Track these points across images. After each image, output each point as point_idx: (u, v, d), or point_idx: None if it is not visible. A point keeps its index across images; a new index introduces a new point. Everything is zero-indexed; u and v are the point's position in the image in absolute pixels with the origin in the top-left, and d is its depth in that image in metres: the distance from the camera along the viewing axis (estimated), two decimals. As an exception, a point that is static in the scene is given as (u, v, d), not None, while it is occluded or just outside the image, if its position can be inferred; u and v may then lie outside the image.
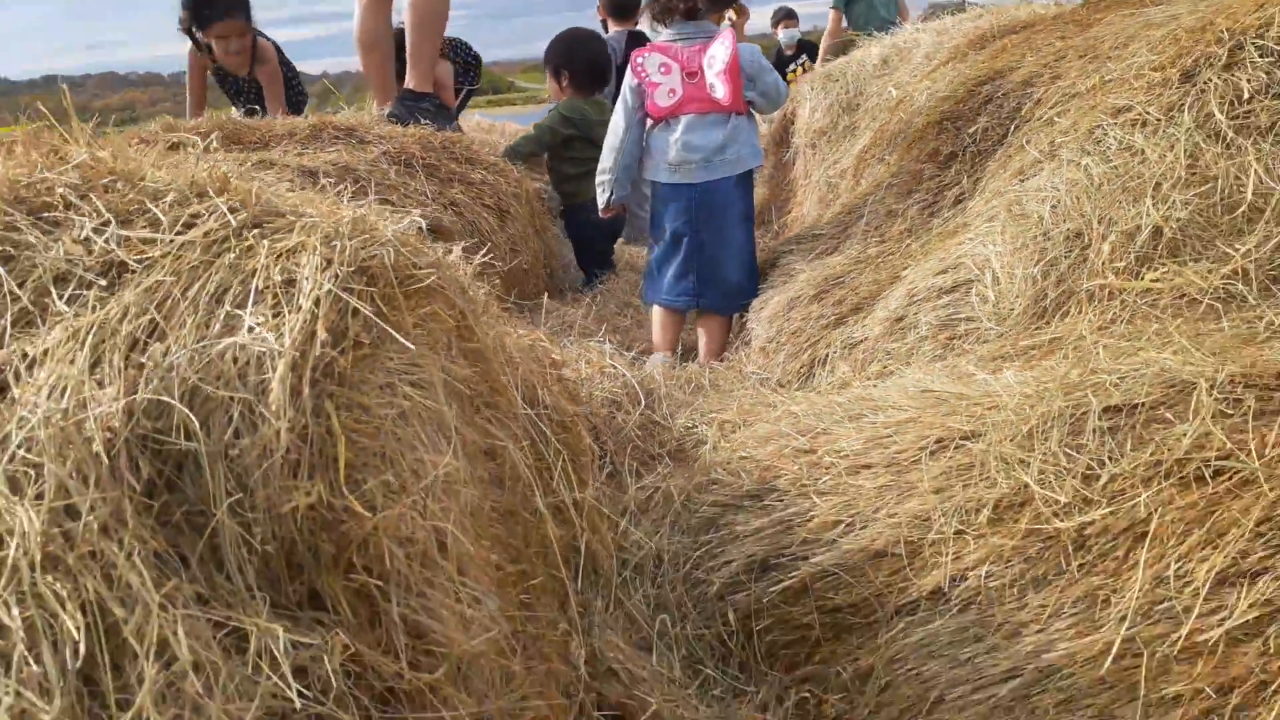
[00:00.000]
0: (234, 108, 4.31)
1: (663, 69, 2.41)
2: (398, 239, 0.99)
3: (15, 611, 0.60)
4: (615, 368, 2.04)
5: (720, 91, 2.37)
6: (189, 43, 4.12)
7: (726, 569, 1.46)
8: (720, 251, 2.49)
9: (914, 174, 2.19)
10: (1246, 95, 1.51)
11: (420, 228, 1.10)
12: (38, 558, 0.63)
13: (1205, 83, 1.56)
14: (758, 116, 2.67)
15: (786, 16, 7.74)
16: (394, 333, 0.81)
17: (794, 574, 1.37)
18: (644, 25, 4.32)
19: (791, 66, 6.77)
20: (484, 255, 1.30)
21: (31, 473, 0.68)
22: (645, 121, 2.52)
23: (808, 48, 7.06)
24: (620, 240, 3.82)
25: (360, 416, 0.79)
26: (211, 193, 0.98)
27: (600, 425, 1.88)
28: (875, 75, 3.54)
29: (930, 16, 3.96)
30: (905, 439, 1.41)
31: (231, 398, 0.74)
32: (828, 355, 2.03)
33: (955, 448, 1.34)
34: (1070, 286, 1.56)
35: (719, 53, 2.37)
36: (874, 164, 2.92)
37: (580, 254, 3.71)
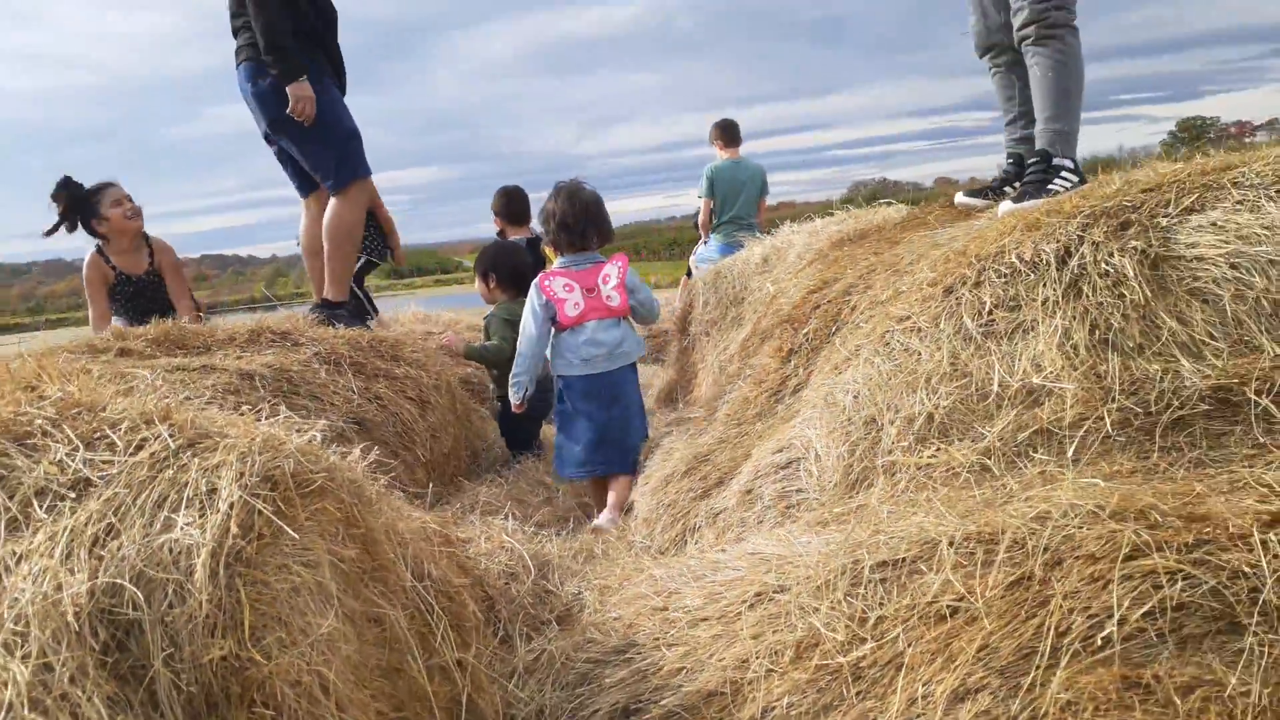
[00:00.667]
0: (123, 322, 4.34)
1: (566, 288, 3.05)
2: (299, 450, 1.30)
3: (9, 736, 0.87)
4: (511, 543, 2.32)
5: (616, 300, 3.07)
6: (86, 258, 4.28)
7: (594, 717, 1.71)
8: (626, 426, 3.09)
9: (764, 367, 2.58)
10: (989, 308, 1.92)
11: (317, 437, 1.41)
12: (25, 700, 0.90)
13: (960, 297, 1.98)
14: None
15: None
16: (287, 528, 1.11)
17: (648, 717, 1.63)
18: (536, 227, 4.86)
19: None
20: (369, 456, 1.60)
21: (19, 639, 0.96)
22: (551, 331, 3.09)
23: None
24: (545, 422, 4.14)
25: (262, 590, 1.08)
26: (157, 420, 1.30)
27: (496, 595, 2.14)
28: (757, 272, 4.02)
29: (842, 202, 4.50)
30: (733, 594, 1.71)
31: (167, 578, 1.02)
32: (697, 524, 2.34)
33: (769, 600, 1.65)
34: (869, 463, 1.91)
35: (613, 272, 3.09)
36: (753, 351, 3.34)
37: (509, 438, 4.03)
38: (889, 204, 4.03)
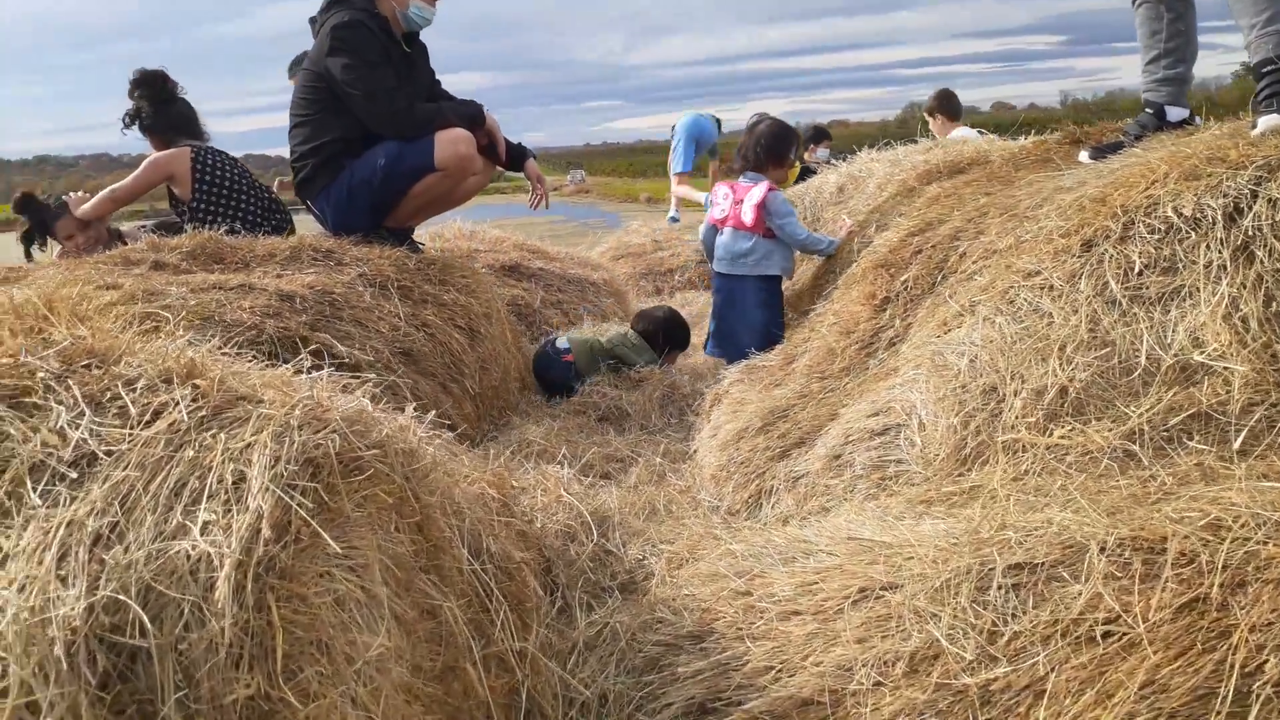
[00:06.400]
0: None
1: (725, 195, 3.52)
2: (346, 420, 1.09)
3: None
4: (570, 499, 2.13)
5: (749, 217, 3.39)
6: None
7: (667, 711, 1.52)
8: (737, 324, 3.47)
9: (853, 315, 2.33)
10: (1138, 269, 1.65)
11: (366, 404, 1.20)
12: (-2, 756, 0.70)
13: (1103, 254, 1.70)
14: None
15: (824, 137, 7.99)
16: (325, 536, 0.90)
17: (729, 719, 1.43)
18: None
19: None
20: (426, 415, 1.39)
21: (-3, 669, 0.77)
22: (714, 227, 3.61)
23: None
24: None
25: (299, 607, 0.87)
26: (177, 380, 1.09)
27: (553, 558, 1.96)
28: (832, 202, 3.73)
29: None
30: (831, 586, 1.50)
31: (182, 597, 0.82)
32: (774, 487, 2.12)
33: (875, 598, 1.43)
34: (987, 438, 1.67)
35: (756, 193, 3.39)
36: (822, 289, 3.08)
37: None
38: (981, 132, 3.70)
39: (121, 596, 0.82)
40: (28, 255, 4.06)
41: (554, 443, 2.89)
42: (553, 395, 3.66)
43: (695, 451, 2.62)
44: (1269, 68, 2.04)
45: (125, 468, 0.94)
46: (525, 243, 5.96)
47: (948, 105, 5.87)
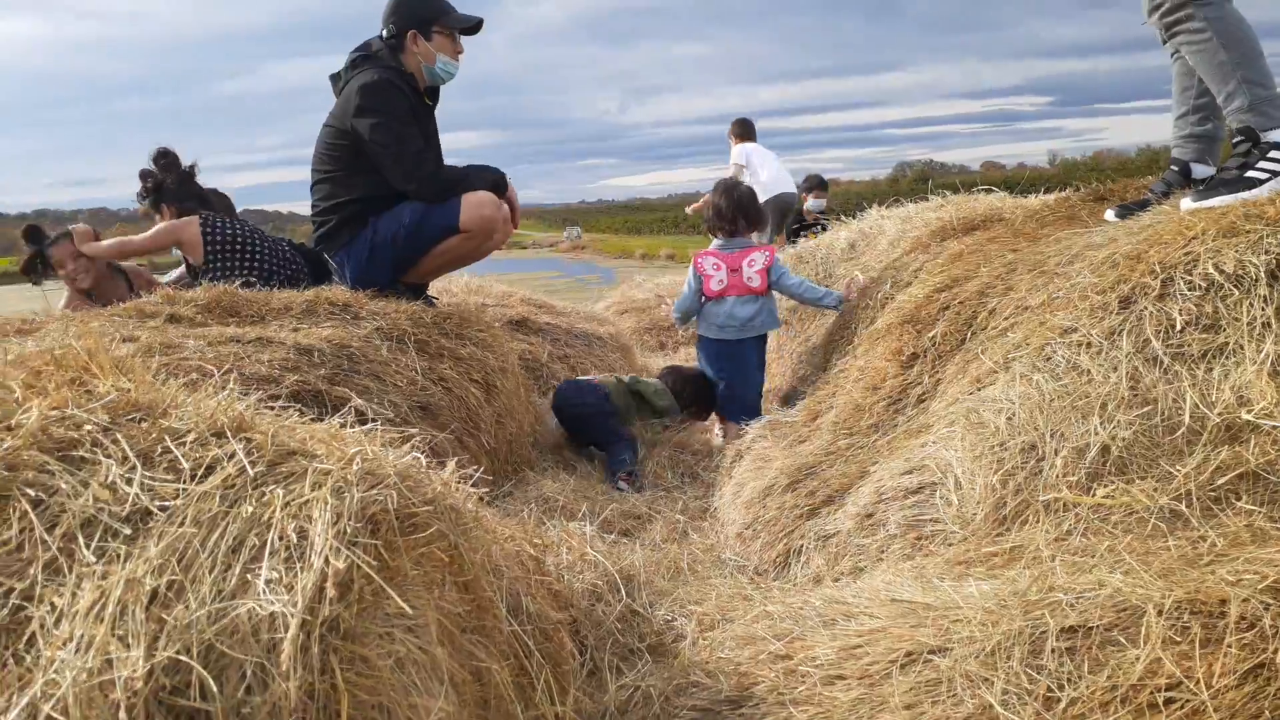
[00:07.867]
0: None
1: (715, 266, 3.49)
2: (400, 474, 1.07)
3: None
4: (596, 556, 2.09)
5: (756, 282, 3.45)
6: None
7: (705, 778, 1.48)
8: (746, 389, 3.53)
9: (880, 371, 2.32)
10: (1179, 326, 1.65)
11: (420, 459, 1.18)
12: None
13: (1142, 311, 1.70)
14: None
15: (817, 186, 8.05)
16: (393, 594, 0.87)
17: (772, 788, 1.39)
18: None
19: (804, 233, 7.07)
20: (466, 470, 1.37)
21: (57, 734, 0.73)
22: (702, 296, 3.54)
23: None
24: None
25: (362, 670, 0.85)
26: (229, 433, 1.07)
27: (581, 618, 1.91)
28: (843, 259, 3.74)
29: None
30: (876, 650, 1.46)
31: (245, 657, 0.79)
32: (803, 546, 2.09)
33: (924, 662, 1.40)
34: (1027, 497, 1.65)
35: (759, 258, 3.46)
36: (841, 345, 3.07)
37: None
38: (989, 191, 3.72)
39: (183, 657, 0.79)
40: (35, 282, 4.14)
41: (572, 499, 2.85)
42: (581, 432, 3.64)
43: (716, 509, 2.59)
44: (1237, 140, 2.07)
45: (181, 524, 0.91)
46: (531, 297, 5.98)
47: (739, 129, 7.60)
